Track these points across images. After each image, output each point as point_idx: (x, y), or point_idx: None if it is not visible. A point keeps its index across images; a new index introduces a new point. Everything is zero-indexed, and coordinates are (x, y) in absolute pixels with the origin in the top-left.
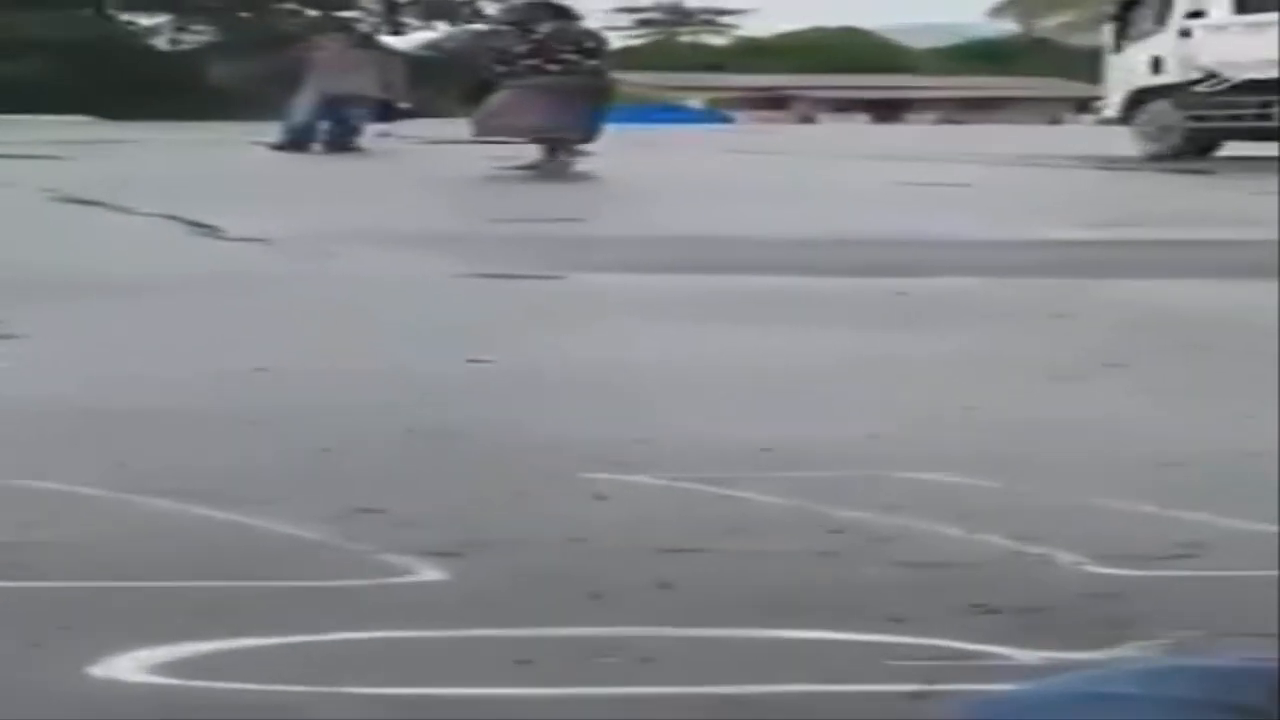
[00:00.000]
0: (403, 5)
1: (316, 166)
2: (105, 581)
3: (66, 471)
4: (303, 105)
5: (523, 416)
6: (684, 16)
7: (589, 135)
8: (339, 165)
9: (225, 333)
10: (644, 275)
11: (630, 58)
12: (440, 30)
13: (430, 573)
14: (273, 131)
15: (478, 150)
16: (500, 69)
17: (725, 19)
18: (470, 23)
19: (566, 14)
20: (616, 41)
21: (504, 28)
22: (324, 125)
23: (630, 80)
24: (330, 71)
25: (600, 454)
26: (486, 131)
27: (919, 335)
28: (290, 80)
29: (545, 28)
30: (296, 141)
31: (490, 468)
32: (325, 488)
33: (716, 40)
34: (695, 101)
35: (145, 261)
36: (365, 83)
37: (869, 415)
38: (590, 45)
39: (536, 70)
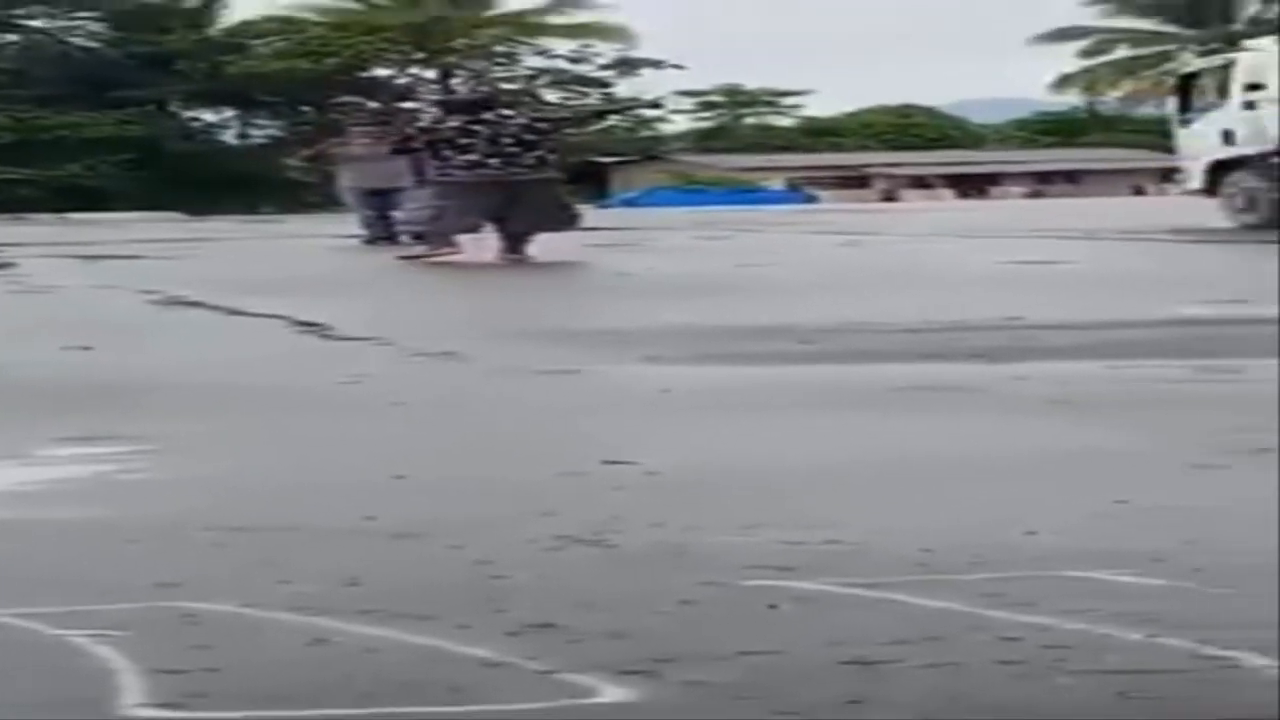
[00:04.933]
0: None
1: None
2: (289, 710)
3: (224, 590)
4: (353, 199)
5: (668, 519)
6: (746, 98)
7: (535, 227)
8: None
9: (355, 438)
10: (763, 367)
11: (700, 140)
12: None
13: (614, 692)
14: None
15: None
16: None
17: (786, 100)
18: None
19: (481, 106)
20: (684, 124)
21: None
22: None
23: (706, 163)
24: (364, 164)
25: (757, 559)
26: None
27: (1048, 421)
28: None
29: (455, 121)
30: (379, 235)
31: (650, 577)
32: (487, 602)
33: (781, 121)
34: (776, 182)
35: (257, 363)
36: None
37: (1023, 510)
38: (515, 135)
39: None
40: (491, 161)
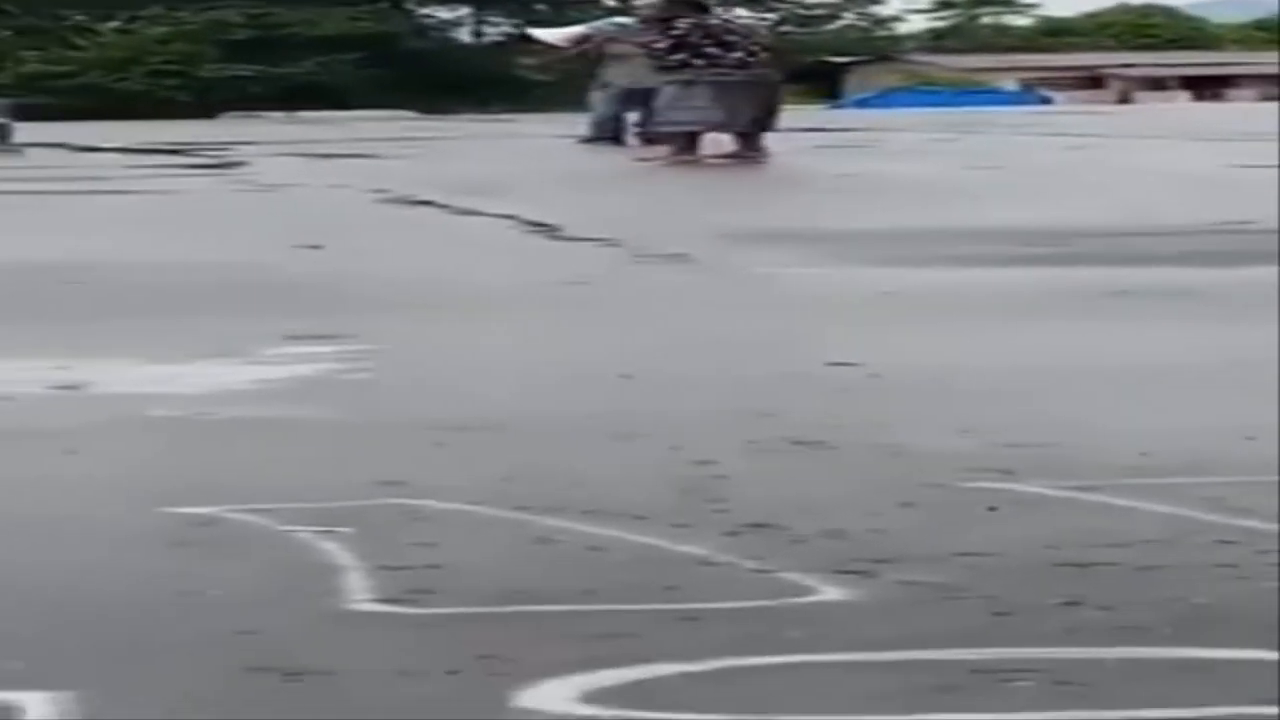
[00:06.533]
0: None
1: (628, 160)
2: (513, 606)
3: (448, 488)
4: (604, 98)
5: (889, 421)
6: None
7: (757, 128)
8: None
9: (583, 339)
10: (985, 269)
11: (935, 39)
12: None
13: (831, 591)
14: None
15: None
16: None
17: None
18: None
19: (705, 9)
20: (919, 24)
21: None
22: (632, 117)
23: (941, 63)
24: (631, 63)
25: (977, 462)
26: (658, 126)
27: (1273, 327)
28: (592, 72)
29: (685, 24)
30: (606, 135)
31: (870, 478)
32: (709, 502)
33: (1018, 20)
34: (1010, 83)
35: (486, 266)
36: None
37: (1244, 416)
38: (741, 41)
39: (686, 65)
40: (715, 62)
